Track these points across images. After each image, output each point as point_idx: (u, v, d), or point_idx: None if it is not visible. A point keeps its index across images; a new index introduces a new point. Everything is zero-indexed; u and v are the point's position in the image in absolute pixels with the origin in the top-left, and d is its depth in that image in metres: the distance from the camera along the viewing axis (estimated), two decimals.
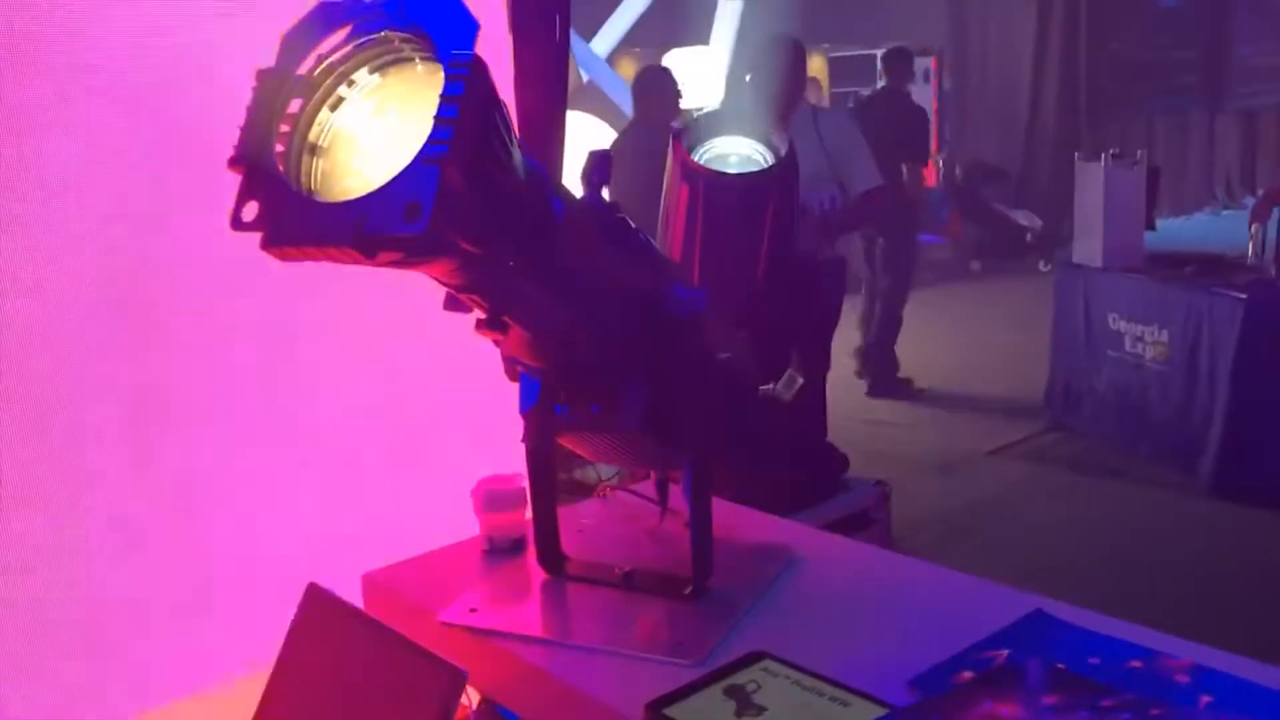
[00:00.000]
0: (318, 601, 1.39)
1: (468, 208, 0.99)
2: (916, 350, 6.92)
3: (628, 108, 5.93)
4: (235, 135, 1.03)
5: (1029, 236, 10.11)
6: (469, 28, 0.99)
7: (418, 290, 1.20)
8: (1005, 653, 1.24)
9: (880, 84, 6.77)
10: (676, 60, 7.76)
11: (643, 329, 1.28)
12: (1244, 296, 4.65)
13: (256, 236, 0.99)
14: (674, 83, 5.03)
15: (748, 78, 4.19)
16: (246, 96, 1.05)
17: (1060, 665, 1.19)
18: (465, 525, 1.65)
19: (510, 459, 1.72)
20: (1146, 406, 5.18)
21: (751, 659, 1.23)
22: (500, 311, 1.18)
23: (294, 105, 1.06)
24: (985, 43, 11.21)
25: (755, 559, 1.50)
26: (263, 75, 1.06)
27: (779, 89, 3.96)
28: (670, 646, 1.29)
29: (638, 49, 11.43)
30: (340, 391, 1.83)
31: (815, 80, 13.09)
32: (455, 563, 1.59)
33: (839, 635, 1.32)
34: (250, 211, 1.01)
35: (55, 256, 1.51)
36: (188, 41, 1.60)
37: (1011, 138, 11.23)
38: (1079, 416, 5.64)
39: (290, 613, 1.39)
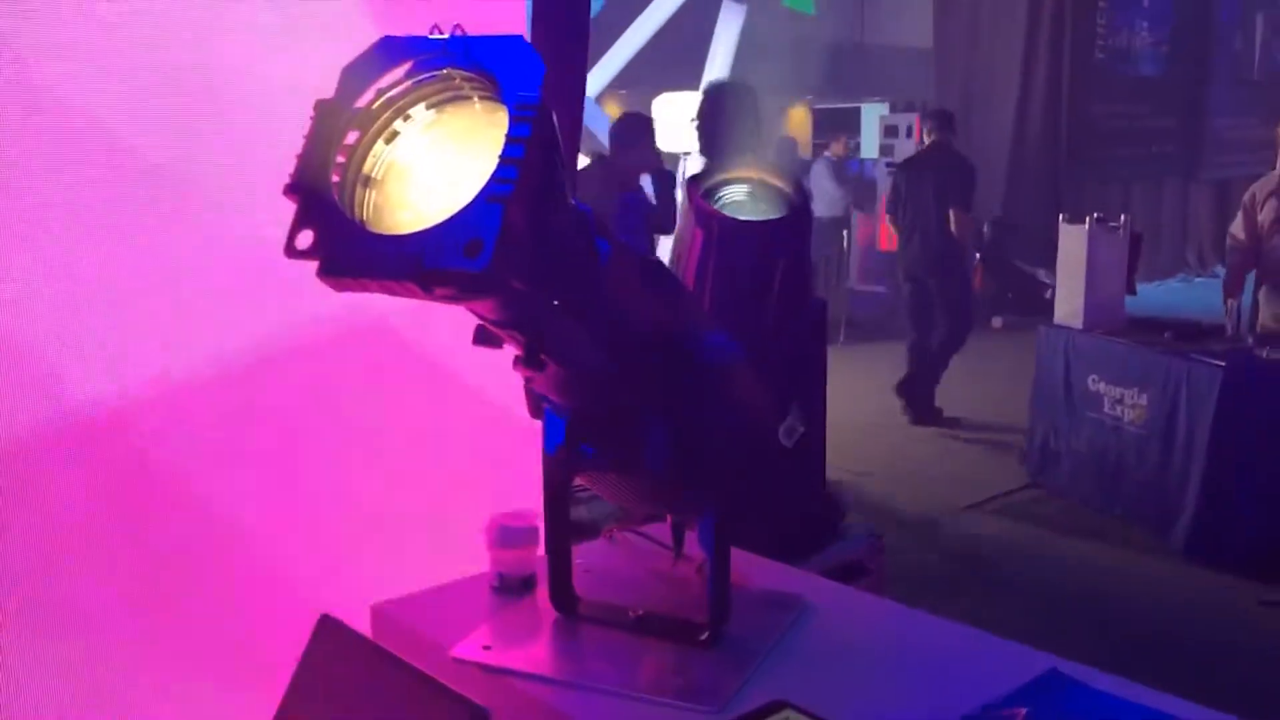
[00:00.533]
0: (330, 633, 1.37)
1: (523, 246, 1.00)
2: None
3: None
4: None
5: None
6: (536, 70, 1.00)
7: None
8: (1024, 711, 1.25)
9: (928, 139, 7.29)
10: (666, 103, 7.84)
11: (674, 373, 1.29)
12: (1222, 364, 4.72)
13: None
14: (651, 130, 5.13)
15: (693, 122, 4.24)
16: (304, 125, 1.06)
17: None
18: (469, 560, 1.65)
19: (508, 496, 1.73)
20: (1123, 468, 5.23)
21: (773, 708, 1.23)
22: (538, 349, 1.18)
23: (350, 137, 1.07)
24: (968, 102, 11.37)
25: (768, 607, 1.50)
26: (321, 105, 1.07)
27: (725, 134, 4.01)
28: (689, 692, 1.28)
29: (625, 90, 11.55)
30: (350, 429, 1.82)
31: (790, 138, 13.30)
32: (463, 598, 1.58)
33: (856, 687, 1.32)
34: (305, 240, 1.01)
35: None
36: None
37: (991, 196, 11.37)
38: (1056, 474, 5.69)
39: (290, 644, 1.37)
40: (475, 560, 1.64)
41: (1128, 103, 11.70)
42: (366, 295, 1.02)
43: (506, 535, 1.57)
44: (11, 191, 1.43)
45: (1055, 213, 10.29)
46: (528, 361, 1.19)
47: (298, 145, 1.05)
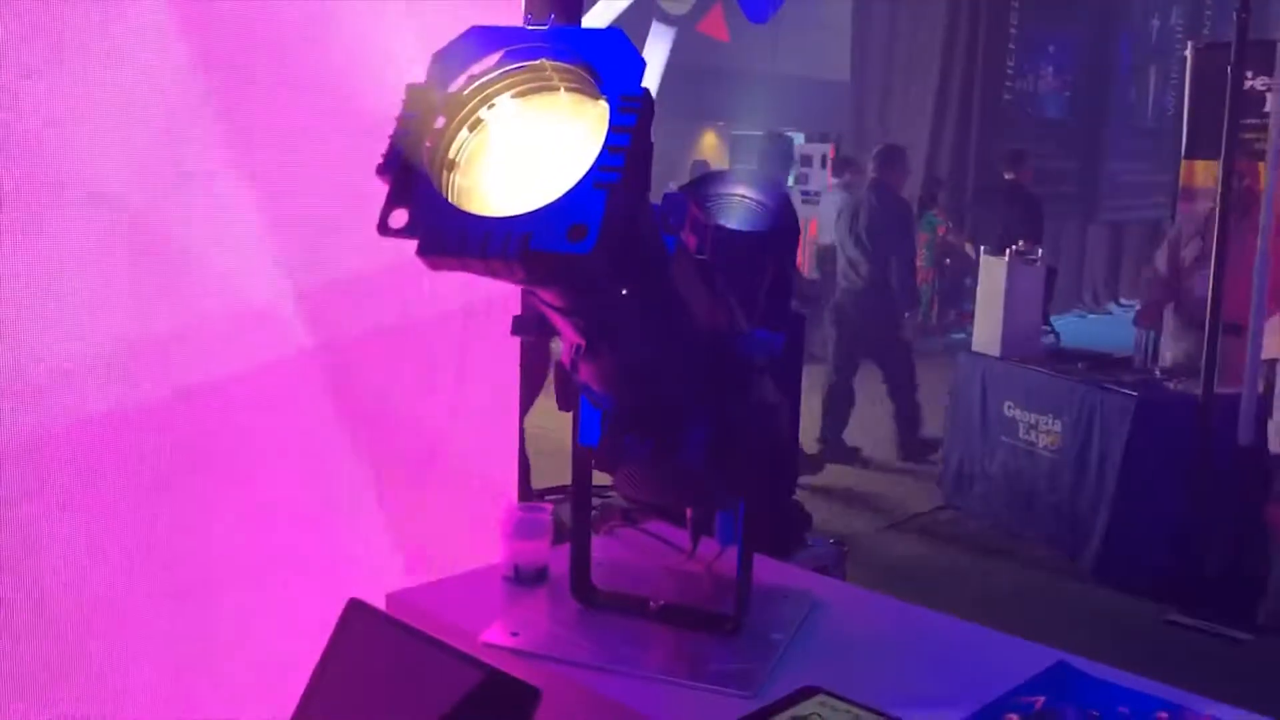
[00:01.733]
0: (361, 617, 1.37)
1: (618, 234, 1.03)
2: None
3: None
4: None
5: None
6: (636, 64, 1.04)
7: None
8: (1041, 699, 1.31)
9: (871, 174, 7.29)
10: None
11: (716, 368, 1.33)
12: (1135, 394, 4.95)
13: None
14: None
15: None
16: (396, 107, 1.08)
17: (1095, 713, 1.27)
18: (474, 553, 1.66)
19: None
20: (1036, 492, 5.43)
21: (807, 693, 1.27)
22: (599, 337, 1.21)
23: (438, 121, 1.09)
24: (885, 134, 11.71)
25: (781, 600, 1.55)
26: (412, 89, 1.09)
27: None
28: (723, 677, 1.32)
29: None
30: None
31: (703, 161, 13.52)
32: (476, 588, 1.60)
33: (876, 677, 1.37)
34: (399, 219, 1.03)
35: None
36: None
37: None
38: (971, 497, 5.88)
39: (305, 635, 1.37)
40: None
41: (1033, 143, 12.16)
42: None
43: (524, 527, 1.59)
44: None
45: (960, 240, 10.68)
46: (590, 350, 1.22)
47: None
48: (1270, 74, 5.07)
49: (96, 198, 1.45)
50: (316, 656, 1.33)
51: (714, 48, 13.90)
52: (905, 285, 6.95)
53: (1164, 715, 1.29)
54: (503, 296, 1.80)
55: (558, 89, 1.12)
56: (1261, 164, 4.80)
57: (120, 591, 1.51)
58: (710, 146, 16.32)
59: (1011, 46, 12.09)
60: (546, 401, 1.68)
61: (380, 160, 1.05)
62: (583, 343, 1.22)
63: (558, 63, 1.08)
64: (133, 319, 1.51)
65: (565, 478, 1.53)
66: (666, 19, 10.89)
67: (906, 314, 7.55)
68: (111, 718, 1.51)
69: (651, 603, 1.49)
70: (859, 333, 6.88)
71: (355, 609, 1.39)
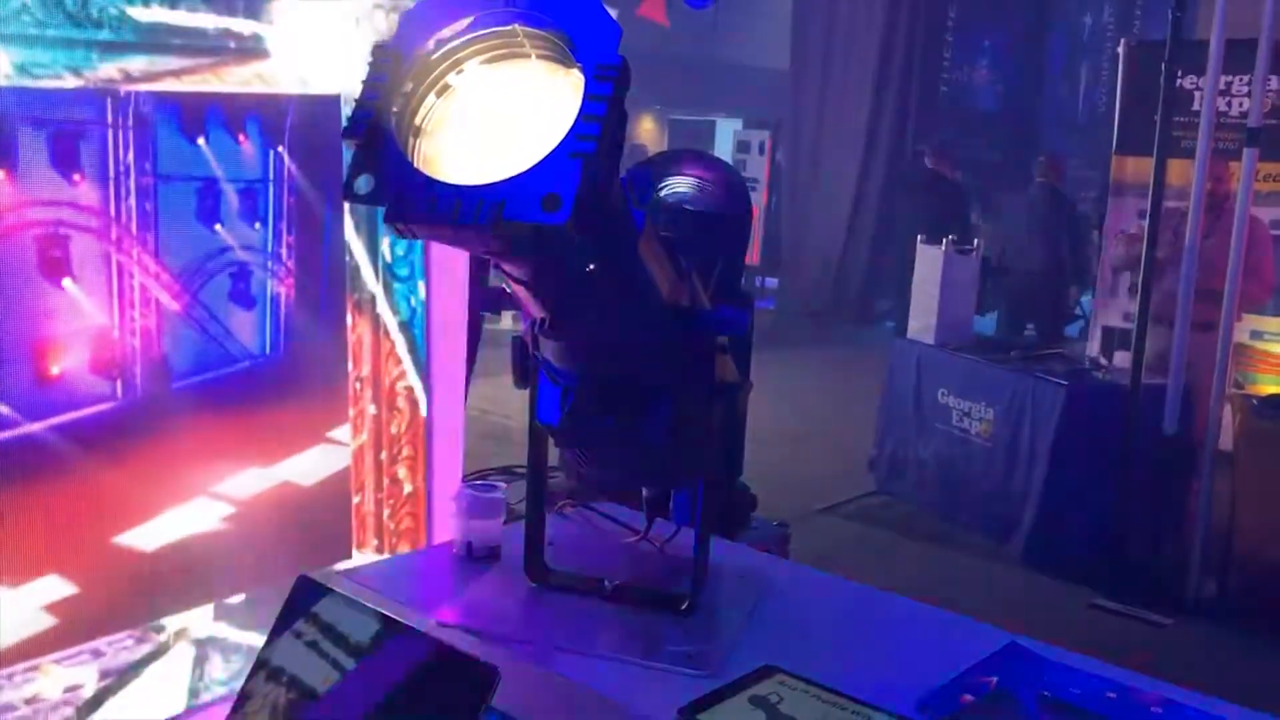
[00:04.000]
0: (309, 594, 1.34)
1: (591, 206, 1.01)
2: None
3: None
4: None
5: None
6: (612, 31, 1.02)
7: None
8: (995, 679, 1.33)
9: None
10: None
11: (680, 345, 1.32)
12: (1065, 384, 5.04)
13: None
14: None
15: None
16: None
17: (1046, 693, 1.29)
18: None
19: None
20: (969, 479, 5.51)
21: (765, 672, 1.27)
22: (564, 312, 1.19)
23: (406, 86, 1.06)
24: (821, 122, 11.80)
25: (735, 580, 1.54)
26: (378, 50, 1.05)
27: None
28: (680, 657, 1.31)
29: None
30: None
31: (641, 145, 13.52)
32: (428, 567, 1.57)
33: (829, 657, 1.37)
34: (365, 184, 1.00)
35: None
36: None
37: (836, 214, 11.81)
38: (903, 483, 5.95)
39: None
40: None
41: (967, 135, 12.32)
42: None
43: (478, 505, 1.56)
44: None
45: (895, 230, 10.83)
46: (553, 325, 1.20)
47: None
48: (1200, 74, 5.18)
49: None
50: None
51: (654, 32, 13.88)
52: None
53: (1112, 695, 1.31)
54: None
55: (529, 55, 1.09)
56: (1235, 163, 4.88)
57: None
58: (647, 131, 16.32)
59: (949, 38, 12.23)
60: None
61: (345, 124, 1.03)
62: (547, 317, 1.20)
63: (530, 29, 1.06)
64: None
65: (500, 461, 1.51)
66: (607, 1, 10.83)
67: None
68: None
69: (606, 583, 1.47)
70: None
71: (303, 585, 1.36)
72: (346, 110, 1.46)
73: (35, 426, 1.91)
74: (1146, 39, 8.29)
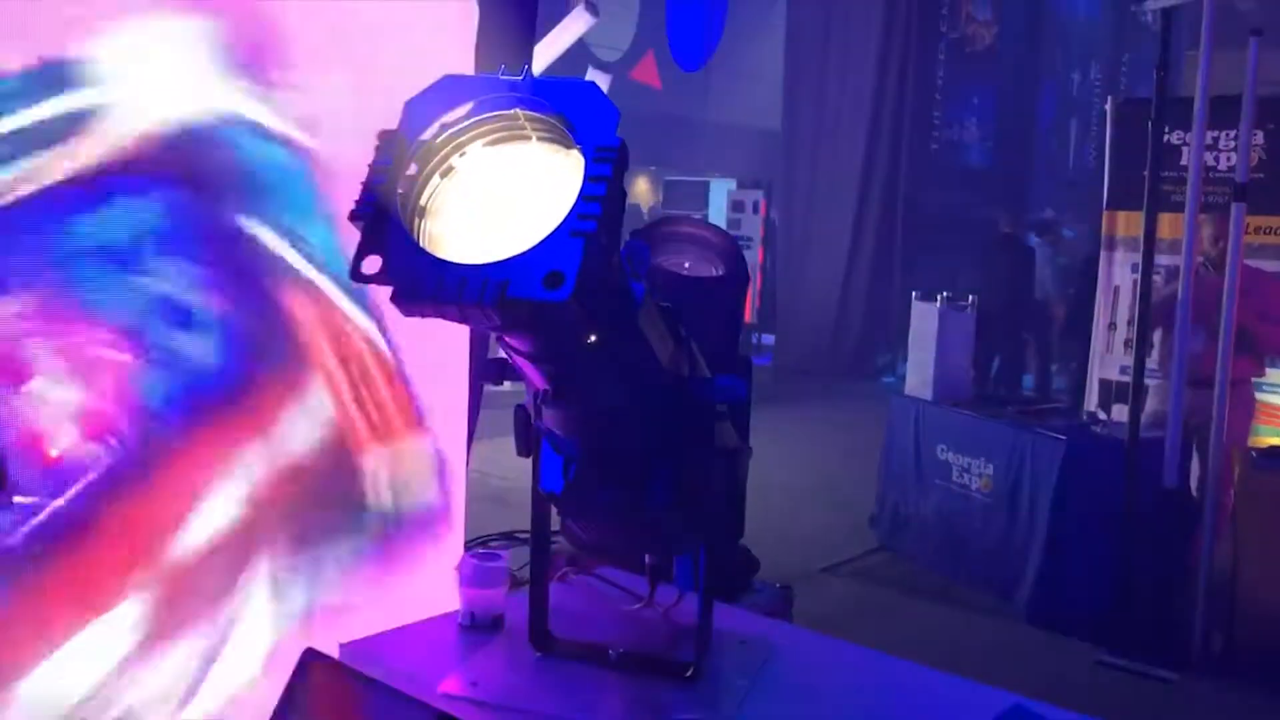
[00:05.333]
0: (316, 669, 1.35)
1: (593, 282, 1.04)
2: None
3: None
4: None
5: None
6: (611, 114, 1.05)
7: None
8: None
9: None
10: None
11: (680, 413, 1.34)
12: (1063, 438, 5.05)
13: None
14: None
15: None
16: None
17: None
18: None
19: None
20: (970, 535, 5.50)
21: None
22: (567, 383, 1.21)
23: (410, 168, 1.09)
24: (814, 182, 11.94)
25: (739, 645, 1.55)
26: (384, 135, 1.09)
27: None
28: None
29: None
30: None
31: (634, 204, 13.67)
32: (432, 637, 1.58)
33: None
34: (372, 265, 1.03)
35: None
36: None
37: (831, 271, 11.90)
38: (905, 539, 5.93)
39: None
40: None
41: (960, 190, 12.45)
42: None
43: (480, 575, 1.57)
44: None
45: (890, 286, 10.90)
46: (555, 396, 1.22)
47: None
48: (1186, 129, 5.25)
49: None
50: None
51: (647, 94, 14.08)
52: None
53: None
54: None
55: (529, 138, 1.12)
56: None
57: None
58: (643, 192, 16.48)
59: (938, 97, 12.40)
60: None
61: (354, 206, 1.05)
62: (549, 388, 1.22)
63: (531, 113, 1.09)
64: None
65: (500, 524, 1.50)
66: (601, 65, 11.01)
67: None
68: None
69: (611, 651, 1.48)
70: None
71: (311, 659, 1.37)
72: None
73: None
74: (1133, 95, 8.43)
